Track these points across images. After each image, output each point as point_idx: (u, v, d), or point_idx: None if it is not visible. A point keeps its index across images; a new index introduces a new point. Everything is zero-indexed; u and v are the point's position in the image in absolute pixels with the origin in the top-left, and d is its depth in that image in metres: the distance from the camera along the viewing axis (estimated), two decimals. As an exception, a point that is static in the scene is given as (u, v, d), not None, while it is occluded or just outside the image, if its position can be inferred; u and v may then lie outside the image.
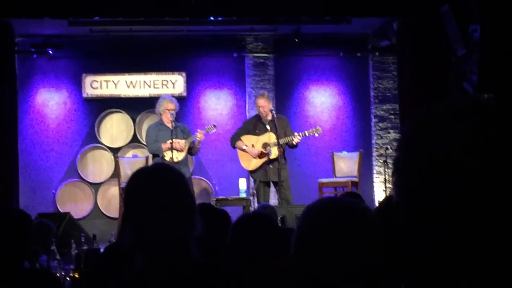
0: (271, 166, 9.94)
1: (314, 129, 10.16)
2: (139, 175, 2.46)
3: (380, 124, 12.91)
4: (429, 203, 1.13)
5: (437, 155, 1.13)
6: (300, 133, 9.96)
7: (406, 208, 1.17)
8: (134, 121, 12.67)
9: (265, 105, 10.05)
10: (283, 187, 9.90)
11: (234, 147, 10.30)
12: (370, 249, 2.04)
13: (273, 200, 10.70)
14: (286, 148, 10.17)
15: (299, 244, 2.08)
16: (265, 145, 9.97)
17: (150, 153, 10.50)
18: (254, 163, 10.08)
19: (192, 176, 11.52)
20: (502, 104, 1.15)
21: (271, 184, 10.15)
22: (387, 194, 10.74)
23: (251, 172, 10.26)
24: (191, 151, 10.21)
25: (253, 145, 10.07)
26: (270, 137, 9.96)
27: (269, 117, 10.04)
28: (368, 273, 2.02)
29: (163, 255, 2.34)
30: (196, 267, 2.38)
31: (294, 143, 9.87)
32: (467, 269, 1.12)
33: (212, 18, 11.28)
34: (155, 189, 2.37)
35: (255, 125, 10.17)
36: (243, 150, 10.11)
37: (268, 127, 10.03)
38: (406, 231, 1.17)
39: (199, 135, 10.04)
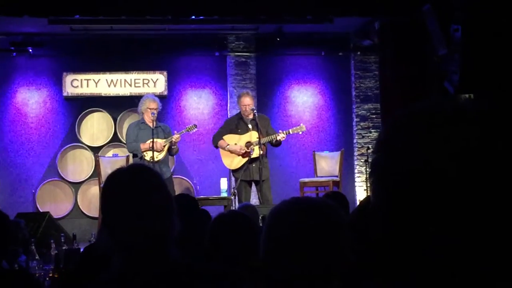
0: (253, 165, 9.93)
1: (298, 127, 10.17)
2: (116, 176, 2.44)
3: (362, 124, 12.93)
4: (405, 206, 1.12)
5: (412, 158, 1.12)
6: (285, 131, 9.96)
7: (383, 210, 1.16)
8: (114, 120, 12.62)
9: (250, 104, 10.03)
10: (263, 186, 9.90)
11: (216, 147, 10.26)
12: (337, 249, 2.03)
13: (255, 200, 10.69)
14: (268, 147, 10.16)
15: (265, 245, 2.07)
16: (248, 144, 9.95)
17: (128, 152, 10.48)
18: (236, 162, 10.05)
19: (173, 176, 11.48)
20: (481, 106, 1.14)
21: (253, 184, 10.13)
22: (368, 194, 10.75)
23: (234, 171, 10.23)
24: (170, 151, 10.19)
25: (235, 144, 10.04)
26: (252, 135, 9.94)
27: (251, 116, 10.02)
28: (337, 272, 2.01)
29: (141, 255, 2.32)
30: (174, 267, 2.36)
31: (278, 140, 9.86)
32: (443, 271, 1.11)
33: (193, 17, 11.26)
34: (132, 190, 2.35)
35: (237, 124, 10.14)
36: (226, 149, 10.07)
37: (250, 126, 10.00)
38: (382, 233, 1.16)
39: (175, 137, 10.02)
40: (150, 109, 10.04)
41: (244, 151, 9.95)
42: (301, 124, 10.34)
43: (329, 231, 2.05)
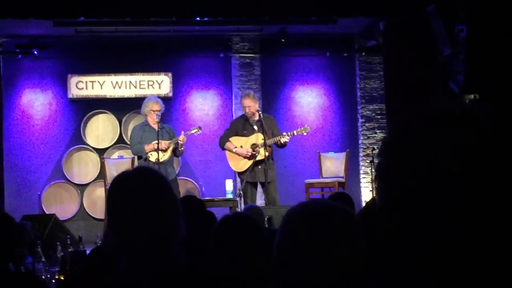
0: (259, 166, 9.90)
1: (302, 128, 10.14)
2: (121, 179, 2.44)
3: (367, 124, 12.92)
4: (411, 208, 1.12)
5: (418, 160, 1.12)
6: (289, 133, 9.94)
7: (388, 212, 1.16)
8: (120, 122, 12.62)
9: (251, 105, 10.00)
10: (270, 188, 9.88)
11: (223, 149, 10.24)
12: (351, 251, 2.03)
13: (260, 201, 10.69)
14: (273, 149, 10.14)
15: (281, 246, 2.07)
16: (254, 146, 9.93)
17: (133, 154, 10.48)
18: (242, 164, 10.03)
19: (178, 177, 11.48)
20: (486, 109, 1.15)
21: (259, 185, 10.11)
22: (374, 195, 10.73)
23: (239, 173, 10.22)
24: (175, 152, 10.19)
25: (241, 146, 10.02)
26: (258, 137, 9.91)
27: (256, 117, 10.00)
28: (350, 275, 2.02)
29: (147, 258, 2.33)
30: (180, 269, 2.37)
31: (282, 143, 9.85)
32: (448, 271, 1.12)
33: (198, 19, 11.26)
34: (137, 193, 2.36)
35: (243, 126, 10.12)
36: (233, 152, 10.05)
37: (255, 127, 9.98)
38: (388, 234, 1.16)
39: (181, 138, 10.01)
40: (153, 111, 10.04)
41: (250, 154, 9.93)
42: (306, 125, 10.33)
43: (344, 235, 2.05)
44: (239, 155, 10.02)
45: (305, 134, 10.30)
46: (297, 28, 12.17)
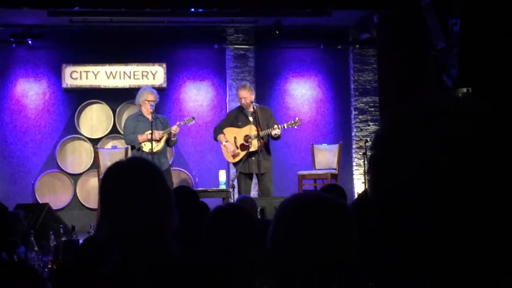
0: (252, 158, 9.90)
1: (293, 121, 10.11)
2: (115, 169, 2.46)
3: (360, 117, 12.94)
4: (403, 201, 1.13)
5: (410, 154, 1.13)
6: (279, 126, 9.92)
7: (381, 205, 1.17)
8: (114, 112, 12.61)
9: (247, 96, 9.98)
10: (264, 179, 9.88)
11: (216, 140, 10.27)
12: (345, 244, 2.05)
13: (254, 192, 10.69)
14: (269, 140, 10.12)
15: (275, 238, 2.09)
16: (247, 137, 9.93)
17: (126, 144, 10.49)
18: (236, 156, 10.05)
19: (172, 168, 11.49)
20: (480, 103, 1.16)
21: (254, 176, 10.11)
22: (366, 187, 10.75)
23: (234, 164, 10.24)
24: (168, 142, 10.20)
25: (235, 138, 10.03)
26: (251, 129, 9.91)
27: (251, 109, 9.99)
28: (343, 266, 2.03)
29: (140, 248, 2.34)
30: (173, 260, 2.38)
31: (273, 135, 9.83)
32: (451, 260, 1.13)
33: (193, 10, 11.25)
34: (130, 183, 2.37)
35: (237, 117, 10.12)
36: (223, 145, 10.07)
37: (250, 118, 9.97)
38: (380, 227, 1.18)
39: (174, 128, 10.03)
40: (148, 101, 10.05)
41: (241, 146, 9.95)
42: (296, 118, 10.28)
43: (338, 226, 2.07)
44: (227, 149, 10.05)
45: (295, 127, 10.28)
46: (292, 20, 12.15)
